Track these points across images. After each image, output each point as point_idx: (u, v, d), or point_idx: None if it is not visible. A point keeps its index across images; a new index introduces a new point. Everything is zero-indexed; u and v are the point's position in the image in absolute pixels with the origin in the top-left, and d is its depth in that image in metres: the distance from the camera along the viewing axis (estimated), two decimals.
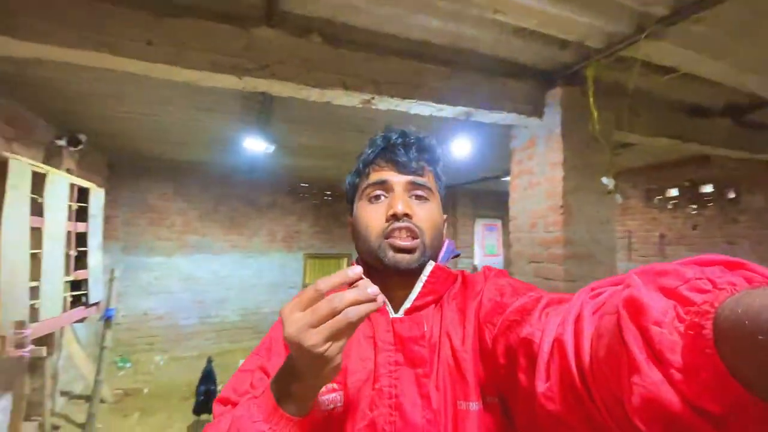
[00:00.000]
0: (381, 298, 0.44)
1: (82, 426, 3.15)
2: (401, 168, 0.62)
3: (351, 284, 0.44)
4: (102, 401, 3.62)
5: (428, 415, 0.53)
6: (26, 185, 2.35)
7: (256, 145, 3.58)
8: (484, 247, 7.75)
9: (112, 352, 4.79)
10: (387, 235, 0.59)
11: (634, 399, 0.29)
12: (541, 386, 0.41)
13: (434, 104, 2.05)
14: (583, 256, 2.21)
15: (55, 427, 3.08)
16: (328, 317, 0.41)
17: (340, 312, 0.41)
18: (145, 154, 4.64)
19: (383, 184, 0.62)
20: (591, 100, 2.10)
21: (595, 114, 2.11)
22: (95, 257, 3.31)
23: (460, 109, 2.13)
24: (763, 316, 0.22)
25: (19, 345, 2.13)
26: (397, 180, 0.62)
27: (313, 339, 0.41)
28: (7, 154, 2.18)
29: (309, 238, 6.02)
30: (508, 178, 5.52)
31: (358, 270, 0.44)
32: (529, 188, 2.46)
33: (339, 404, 0.55)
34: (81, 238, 3.14)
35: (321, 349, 0.41)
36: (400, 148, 0.63)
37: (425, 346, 0.57)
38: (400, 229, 0.59)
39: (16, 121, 2.85)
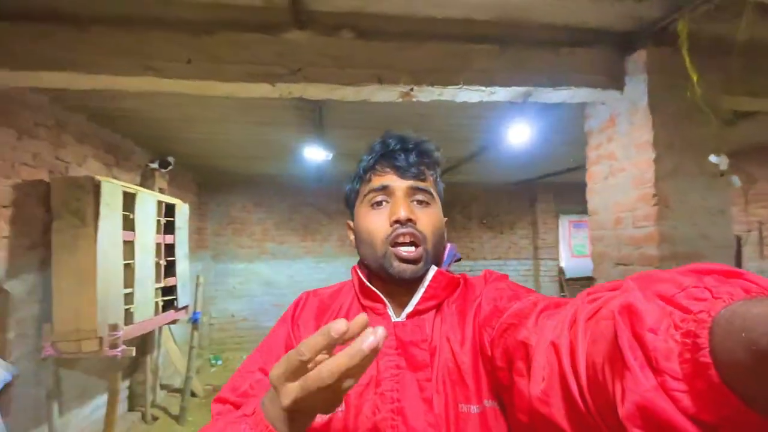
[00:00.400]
0: (381, 335, 0.37)
1: (176, 418, 3.50)
2: (402, 173, 0.62)
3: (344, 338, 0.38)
4: (194, 395, 4.01)
5: (430, 419, 0.53)
6: (118, 204, 2.68)
7: (316, 154, 3.66)
8: (572, 247, 6.94)
9: (206, 350, 5.32)
10: (392, 242, 0.59)
11: (628, 405, 0.29)
12: (535, 390, 0.41)
13: (483, 88, 1.82)
14: (688, 257, 1.76)
15: (155, 418, 3.47)
16: (323, 392, 0.37)
17: (331, 382, 0.36)
18: (226, 171, 5.10)
19: (385, 190, 0.62)
20: (687, 60, 1.66)
21: (695, 77, 1.67)
22: (182, 265, 3.67)
23: (515, 90, 1.86)
24: (760, 326, 0.22)
25: (113, 345, 2.41)
26: (399, 185, 0.62)
27: (317, 409, 0.41)
28: (99, 177, 2.50)
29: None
30: None
31: (340, 325, 0.37)
32: (610, 176, 2.06)
33: (340, 409, 0.55)
34: (169, 249, 3.50)
35: (327, 413, 0.42)
36: (400, 153, 0.63)
37: (426, 350, 0.57)
38: (404, 234, 0.59)
39: (115, 149, 3.30)
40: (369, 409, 0.55)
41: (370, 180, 0.64)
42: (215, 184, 5.50)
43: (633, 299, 0.31)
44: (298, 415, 0.41)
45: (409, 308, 0.61)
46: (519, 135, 2.36)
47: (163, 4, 1.59)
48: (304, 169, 4.75)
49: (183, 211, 3.75)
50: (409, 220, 0.59)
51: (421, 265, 0.60)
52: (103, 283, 2.49)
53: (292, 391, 0.38)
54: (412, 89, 1.78)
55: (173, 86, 1.67)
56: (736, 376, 0.23)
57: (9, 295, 2.22)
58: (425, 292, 0.61)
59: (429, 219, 0.62)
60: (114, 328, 2.44)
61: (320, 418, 0.53)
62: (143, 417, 3.41)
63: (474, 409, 0.54)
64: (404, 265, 0.59)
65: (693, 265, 0.32)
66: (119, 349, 2.43)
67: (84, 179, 2.48)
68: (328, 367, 0.36)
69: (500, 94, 1.89)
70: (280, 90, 1.74)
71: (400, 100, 1.88)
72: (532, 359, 0.43)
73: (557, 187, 6.62)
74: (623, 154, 1.97)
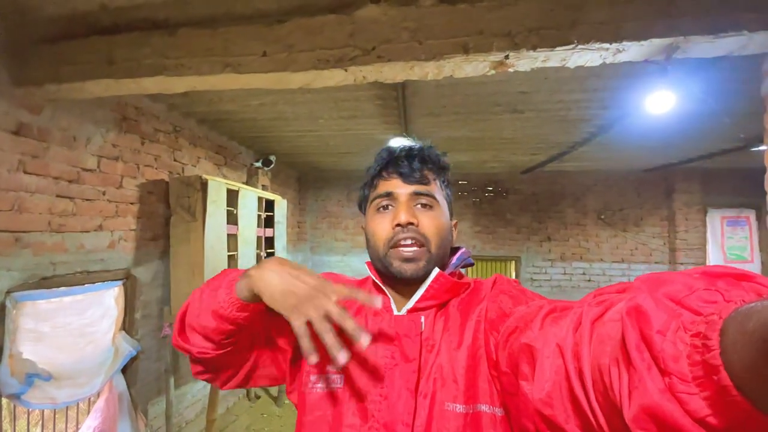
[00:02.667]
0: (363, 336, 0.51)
1: (274, 399, 3.74)
2: (405, 179, 0.65)
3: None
4: None
5: (410, 408, 0.57)
6: (222, 200, 2.89)
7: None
8: (725, 250, 5.49)
9: None
10: (394, 244, 0.63)
11: (634, 407, 0.29)
12: (539, 392, 0.41)
13: (607, 45, 1.38)
14: None
15: (257, 396, 3.75)
16: (326, 320, 0.51)
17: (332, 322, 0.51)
18: (322, 167, 5.29)
19: (389, 196, 0.66)
20: None
21: None
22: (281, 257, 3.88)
23: (653, 43, 1.37)
24: None
25: None
26: (402, 191, 0.65)
27: (303, 317, 0.53)
28: (206, 176, 2.71)
29: (469, 238, 5.60)
30: (762, 147, 3.71)
31: (378, 303, 0.54)
32: None
33: (339, 385, 0.62)
34: (269, 242, 3.72)
35: (297, 323, 0.52)
36: (403, 159, 0.66)
37: (417, 343, 0.61)
38: (405, 237, 0.62)
39: (223, 150, 3.61)
40: (363, 388, 0.60)
41: (376, 186, 0.68)
42: (313, 181, 5.76)
43: (641, 301, 0.30)
44: (262, 286, 0.55)
45: (409, 305, 0.64)
46: (660, 105, 1.75)
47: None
48: None
49: (282, 206, 3.96)
50: (410, 223, 0.63)
51: (422, 264, 0.63)
52: (210, 272, 2.70)
53: (310, 294, 0.54)
54: (507, 56, 1.45)
55: (250, 81, 1.64)
56: (747, 378, 0.23)
57: (137, 281, 2.54)
58: (425, 292, 0.63)
59: (431, 222, 0.64)
60: None
61: (320, 390, 0.63)
62: (247, 395, 3.71)
63: (459, 408, 0.55)
64: (405, 265, 0.62)
65: (704, 268, 0.32)
66: None
67: (193, 178, 2.72)
68: (346, 318, 0.53)
69: (631, 51, 1.43)
70: (354, 74, 1.58)
71: (493, 72, 1.56)
72: (537, 362, 0.43)
73: (704, 174, 5.30)
74: None
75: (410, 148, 0.68)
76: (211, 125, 3.26)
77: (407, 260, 0.62)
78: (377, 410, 0.58)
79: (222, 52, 1.62)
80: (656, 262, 5.52)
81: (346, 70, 1.55)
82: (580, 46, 1.41)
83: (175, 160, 2.94)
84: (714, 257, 5.51)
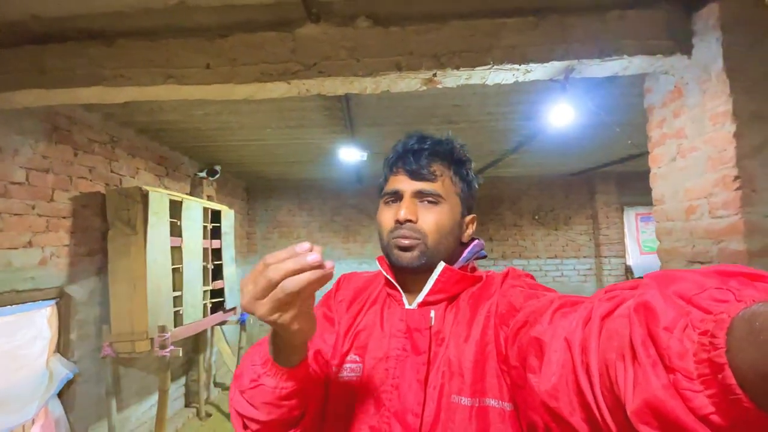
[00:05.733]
0: (329, 264, 0.44)
1: (227, 416, 3.64)
2: (412, 176, 0.67)
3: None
4: None
5: (419, 398, 0.58)
6: (165, 212, 2.82)
7: (351, 155, 3.62)
8: (640, 243, 6.24)
9: None
10: (393, 235, 0.66)
11: (637, 402, 0.29)
12: (546, 384, 0.42)
13: (517, 66, 1.62)
14: None
15: (208, 414, 3.63)
16: (268, 289, 0.42)
17: (277, 284, 0.42)
18: (271, 177, 5.26)
19: (395, 194, 0.68)
20: None
21: None
22: (229, 268, 3.81)
23: (554, 65, 1.63)
24: None
25: (162, 346, 2.53)
26: (407, 188, 0.67)
27: (260, 310, 0.43)
28: (147, 187, 2.64)
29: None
30: None
31: (305, 246, 0.44)
32: (679, 157, 1.74)
33: (358, 374, 0.63)
34: (216, 253, 3.65)
35: (271, 319, 0.44)
36: (411, 156, 0.67)
37: (427, 337, 0.62)
38: (402, 233, 0.65)
39: (164, 160, 3.50)
40: (378, 380, 0.62)
41: (387, 181, 0.71)
42: (262, 190, 5.69)
43: (650, 297, 0.30)
44: (280, 339, 0.49)
45: (419, 298, 0.65)
46: (562, 118, 2.07)
47: (182, 13, 1.61)
48: (343, 171, 4.75)
49: (229, 216, 3.90)
50: (408, 220, 0.65)
51: (416, 253, 0.64)
52: (153, 286, 2.62)
53: (249, 290, 0.43)
54: (435, 74, 1.64)
55: (193, 92, 1.69)
56: (752, 378, 0.23)
57: (71, 299, 2.41)
58: (434, 285, 0.64)
59: (432, 218, 0.66)
60: (162, 329, 2.56)
61: (342, 379, 0.64)
62: (197, 413, 3.58)
63: (465, 401, 0.56)
64: (401, 253, 0.65)
65: (717, 267, 0.32)
66: (167, 350, 2.54)
67: (133, 190, 2.64)
68: (274, 268, 0.42)
69: (537, 71, 1.68)
70: (297, 87, 1.68)
71: (424, 87, 1.74)
72: (545, 355, 0.44)
73: (619, 176, 5.99)
74: (694, 130, 1.65)
75: (421, 141, 0.69)
76: (151, 135, 3.17)
77: (403, 249, 0.64)
78: (388, 399, 0.60)
79: (164, 64, 1.65)
80: (584, 256, 6.11)
81: (289, 83, 1.65)
82: (495, 67, 1.63)
83: (112, 172, 2.82)
84: (632, 250, 6.24)
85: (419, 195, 0.66)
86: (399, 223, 0.65)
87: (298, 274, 0.42)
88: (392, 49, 1.63)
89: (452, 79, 1.69)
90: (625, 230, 6.21)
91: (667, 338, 0.28)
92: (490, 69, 1.64)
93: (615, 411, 0.33)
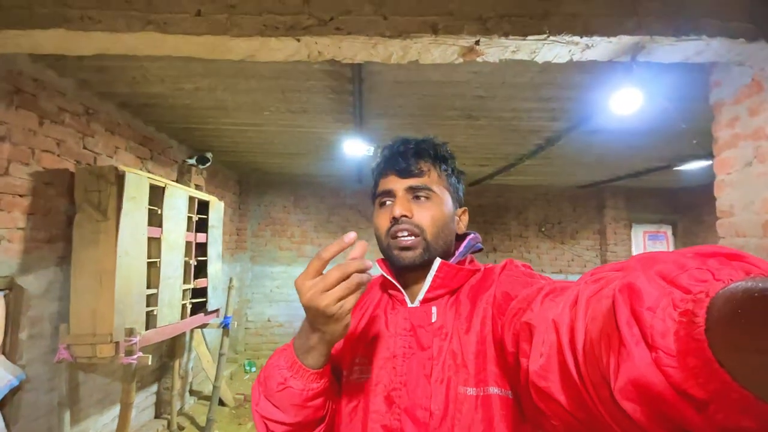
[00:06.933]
0: (369, 263, 0.53)
1: (202, 429, 3.26)
2: (401, 174, 0.69)
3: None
4: (224, 404, 3.78)
5: (428, 393, 0.60)
6: (143, 197, 2.47)
7: (356, 148, 3.31)
8: None
9: (242, 356, 5.14)
10: (392, 235, 0.67)
11: (621, 379, 0.30)
12: (534, 365, 0.43)
13: (577, 38, 1.33)
14: None
15: (181, 428, 3.25)
16: (341, 279, 0.51)
17: (348, 276, 0.51)
18: (266, 170, 4.92)
19: (388, 194, 0.70)
20: None
21: None
22: (215, 266, 3.45)
23: (622, 40, 1.35)
24: (756, 307, 0.22)
25: (129, 352, 2.17)
26: (398, 186, 0.69)
27: (326, 300, 0.51)
28: (124, 168, 2.30)
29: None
30: (684, 167, 4.06)
31: (352, 235, 0.53)
32: (756, 162, 1.47)
33: (367, 375, 0.66)
34: (201, 248, 3.29)
35: (334, 308, 0.51)
36: (398, 156, 0.70)
37: (431, 333, 0.64)
38: (401, 229, 0.66)
39: (149, 142, 3.15)
40: (386, 378, 0.64)
41: (378, 185, 0.73)
42: (256, 184, 5.35)
43: (634, 278, 0.31)
44: (320, 338, 0.55)
45: (420, 296, 0.67)
46: (626, 106, 1.66)
47: None
48: (344, 167, 4.44)
49: (218, 208, 3.55)
50: (404, 215, 0.66)
51: (419, 251, 0.66)
52: (123, 282, 2.26)
53: (312, 285, 0.51)
54: (478, 42, 1.34)
55: (179, 45, 1.36)
56: (729, 354, 0.24)
57: (23, 292, 2.05)
58: (432, 282, 0.66)
59: (427, 212, 0.67)
60: (130, 332, 2.21)
61: (353, 381, 0.67)
62: (169, 426, 3.20)
63: (470, 391, 0.58)
64: (402, 253, 0.66)
65: (697, 248, 0.33)
66: (134, 357, 2.18)
67: (107, 169, 2.29)
68: (346, 264, 0.51)
69: (600, 48, 1.39)
70: (308, 47, 1.37)
71: (461, 60, 1.44)
72: (534, 338, 0.45)
73: (629, 192, 5.78)
74: None
75: (405, 143, 0.71)
76: (134, 111, 2.82)
77: (403, 248, 0.66)
78: (398, 397, 0.62)
79: (143, 7, 1.33)
80: None
81: (298, 41, 1.34)
82: (551, 38, 1.34)
83: (85, 148, 2.47)
84: None
85: (411, 191, 0.68)
86: (395, 220, 0.66)
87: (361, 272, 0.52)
88: (428, 7, 1.33)
89: (497, 50, 1.40)
90: (632, 248, 5.98)
91: (651, 318, 0.29)
92: (544, 40, 1.35)
93: (601, 389, 0.33)
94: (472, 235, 0.74)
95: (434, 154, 0.72)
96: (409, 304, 0.68)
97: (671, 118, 2.33)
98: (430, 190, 0.68)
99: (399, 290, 0.69)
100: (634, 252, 5.94)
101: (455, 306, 0.66)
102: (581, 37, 1.34)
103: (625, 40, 1.35)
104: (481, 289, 0.66)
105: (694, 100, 2.17)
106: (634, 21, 1.34)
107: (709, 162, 3.63)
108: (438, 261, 0.66)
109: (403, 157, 0.69)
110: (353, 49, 1.38)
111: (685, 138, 2.86)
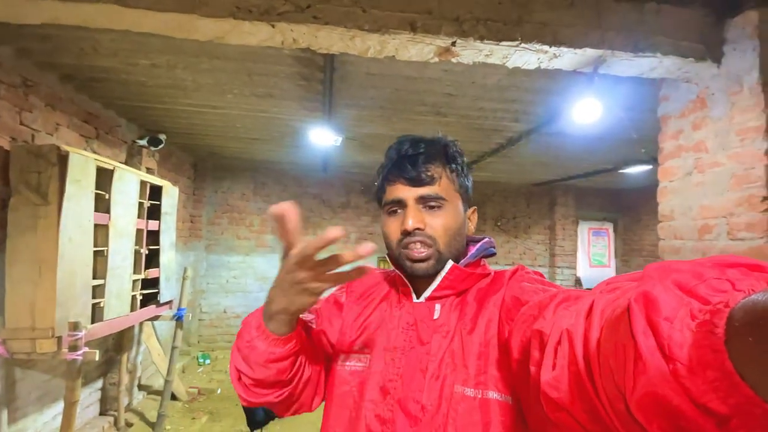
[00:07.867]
0: (368, 247, 0.50)
1: (153, 426, 3.12)
2: (412, 183, 0.67)
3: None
4: (176, 398, 3.63)
5: (421, 387, 0.61)
6: (90, 181, 2.28)
7: (323, 137, 3.25)
8: (590, 257, 6.49)
9: (195, 348, 4.94)
10: (404, 245, 0.67)
11: (638, 392, 0.29)
12: (546, 375, 0.42)
13: (545, 47, 1.40)
14: None
15: (129, 424, 3.09)
16: (334, 264, 0.51)
17: (341, 265, 0.52)
18: (225, 154, 4.69)
19: (398, 203, 0.68)
20: None
21: None
22: (167, 255, 3.27)
23: (587, 53, 1.43)
24: None
25: (73, 348, 2.02)
26: (408, 195, 0.67)
27: (311, 274, 0.52)
28: (67, 147, 2.10)
29: (383, 240, 5.60)
30: (628, 170, 4.40)
31: (336, 230, 0.49)
32: (696, 172, 1.63)
33: (366, 365, 0.68)
34: (153, 236, 3.11)
35: (314, 285, 0.53)
36: (407, 163, 0.67)
37: (431, 328, 0.65)
38: (413, 241, 0.66)
39: (95, 119, 2.89)
40: (384, 369, 0.65)
41: (385, 191, 0.70)
42: (213, 169, 5.10)
43: (651, 288, 0.30)
44: (280, 302, 0.56)
45: (426, 293, 0.68)
46: (586, 115, 1.77)
47: None
48: (310, 156, 4.35)
49: (172, 194, 3.35)
50: (417, 228, 0.65)
51: (432, 263, 0.66)
52: (66, 272, 2.09)
53: (303, 254, 0.51)
54: (454, 43, 1.36)
55: (140, 20, 1.26)
56: (751, 366, 0.23)
57: None
58: (440, 283, 0.67)
59: (439, 222, 0.66)
60: (75, 326, 2.05)
61: (348, 368, 0.69)
62: (116, 423, 3.02)
63: (469, 391, 0.58)
64: (416, 265, 0.66)
65: (716, 258, 0.32)
66: (80, 352, 2.03)
67: (47, 148, 2.08)
68: (306, 240, 0.51)
69: (566, 58, 1.47)
70: (282, 34, 1.32)
71: (437, 59, 1.46)
72: (546, 347, 0.43)
73: (578, 190, 6.18)
74: (717, 144, 1.54)
75: (414, 146, 0.68)
76: (79, 85, 2.57)
77: (417, 261, 0.65)
78: (393, 387, 0.63)
79: None
80: (540, 265, 6.23)
81: (273, 26, 1.29)
82: (523, 45, 1.40)
83: (22, 124, 2.23)
84: (582, 262, 6.47)
85: (422, 200, 0.67)
86: (408, 232, 0.65)
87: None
88: (408, 4, 1.33)
89: (472, 52, 1.43)
90: (578, 243, 6.43)
91: (668, 328, 0.28)
92: (516, 46, 1.40)
93: (616, 401, 0.32)
94: (485, 240, 0.73)
95: (445, 156, 0.69)
96: (415, 300, 0.69)
97: (624, 126, 2.52)
98: (441, 199, 0.67)
99: (407, 286, 0.70)
100: (579, 246, 6.39)
101: (460, 306, 0.66)
102: (550, 47, 1.41)
103: (590, 52, 1.44)
104: (490, 292, 0.66)
105: (645, 111, 2.37)
106: (598, 35, 1.43)
107: (650, 167, 4.00)
108: (449, 264, 0.66)
109: (413, 164, 0.67)
110: (330, 39, 1.35)
111: (634, 145, 3.10)
